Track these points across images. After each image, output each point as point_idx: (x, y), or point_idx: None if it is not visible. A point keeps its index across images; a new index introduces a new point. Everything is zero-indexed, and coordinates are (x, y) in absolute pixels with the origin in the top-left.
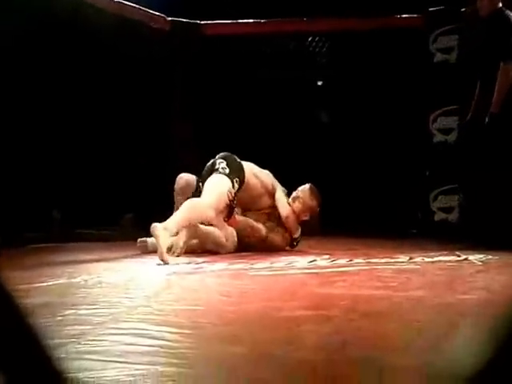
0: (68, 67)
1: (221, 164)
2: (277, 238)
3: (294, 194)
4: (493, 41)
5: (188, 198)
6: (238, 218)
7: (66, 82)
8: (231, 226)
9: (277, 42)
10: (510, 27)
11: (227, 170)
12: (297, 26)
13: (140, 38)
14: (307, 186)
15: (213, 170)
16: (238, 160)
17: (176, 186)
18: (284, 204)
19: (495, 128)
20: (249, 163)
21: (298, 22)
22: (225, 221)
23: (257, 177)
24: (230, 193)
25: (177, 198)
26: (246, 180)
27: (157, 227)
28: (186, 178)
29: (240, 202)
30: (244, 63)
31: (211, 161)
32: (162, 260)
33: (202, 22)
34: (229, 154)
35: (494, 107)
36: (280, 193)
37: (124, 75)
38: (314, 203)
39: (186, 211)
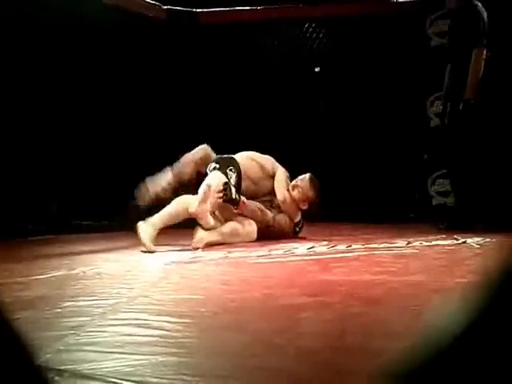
0: (62, 59)
1: (211, 166)
2: (283, 221)
3: (294, 182)
4: (464, 31)
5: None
6: (247, 202)
7: (60, 73)
8: (241, 211)
9: (274, 29)
10: (476, 16)
11: (217, 166)
12: (293, 12)
13: (135, 27)
14: (307, 175)
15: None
16: (227, 155)
17: (199, 153)
18: (281, 188)
19: (470, 114)
20: (245, 152)
21: (294, 8)
22: (235, 210)
23: (254, 160)
24: (219, 186)
25: (195, 161)
26: (242, 167)
27: (138, 226)
28: (208, 149)
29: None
30: (240, 51)
31: None
32: (149, 250)
33: (198, 10)
34: (218, 156)
35: (468, 93)
36: (280, 175)
37: (119, 65)
38: (312, 194)
39: (173, 207)
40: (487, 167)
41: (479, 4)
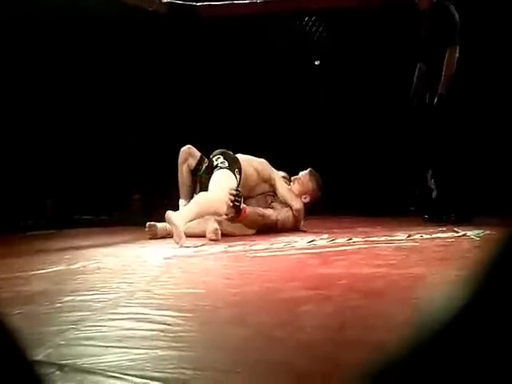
0: (62, 53)
1: (218, 159)
2: (286, 218)
3: (295, 176)
4: (437, 31)
5: (191, 167)
6: (248, 210)
7: (58, 68)
8: (242, 221)
9: (274, 23)
10: (449, 17)
11: (226, 163)
12: (293, 5)
13: (136, 21)
14: (307, 169)
15: (213, 167)
16: (231, 153)
17: (181, 155)
18: (293, 196)
19: (444, 108)
20: (241, 154)
21: (294, 1)
22: (234, 218)
23: (251, 165)
24: (233, 191)
25: (181, 167)
26: (242, 169)
27: (173, 215)
28: (189, 147)
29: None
30: (241, 44)
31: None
32: (179, 242)
33: (199, 4)
34: (222, 150)
35: (442, 88)
36: (280, 184)
37: (120, 59)
38: (312, 185)
39: (197, 205)
40: (468, 159)
41: (451, 6)
